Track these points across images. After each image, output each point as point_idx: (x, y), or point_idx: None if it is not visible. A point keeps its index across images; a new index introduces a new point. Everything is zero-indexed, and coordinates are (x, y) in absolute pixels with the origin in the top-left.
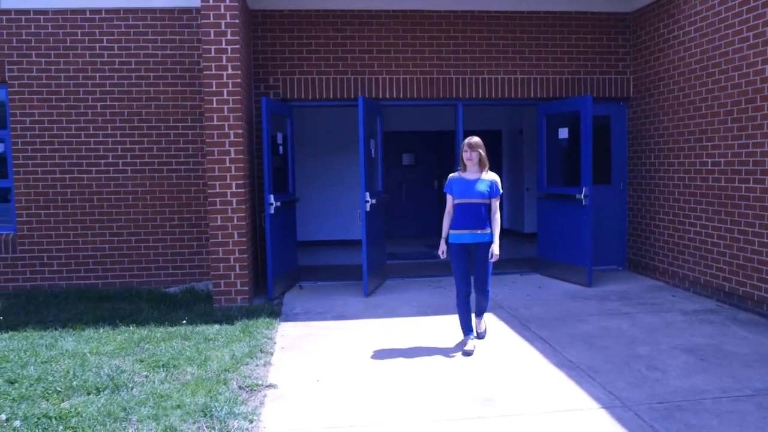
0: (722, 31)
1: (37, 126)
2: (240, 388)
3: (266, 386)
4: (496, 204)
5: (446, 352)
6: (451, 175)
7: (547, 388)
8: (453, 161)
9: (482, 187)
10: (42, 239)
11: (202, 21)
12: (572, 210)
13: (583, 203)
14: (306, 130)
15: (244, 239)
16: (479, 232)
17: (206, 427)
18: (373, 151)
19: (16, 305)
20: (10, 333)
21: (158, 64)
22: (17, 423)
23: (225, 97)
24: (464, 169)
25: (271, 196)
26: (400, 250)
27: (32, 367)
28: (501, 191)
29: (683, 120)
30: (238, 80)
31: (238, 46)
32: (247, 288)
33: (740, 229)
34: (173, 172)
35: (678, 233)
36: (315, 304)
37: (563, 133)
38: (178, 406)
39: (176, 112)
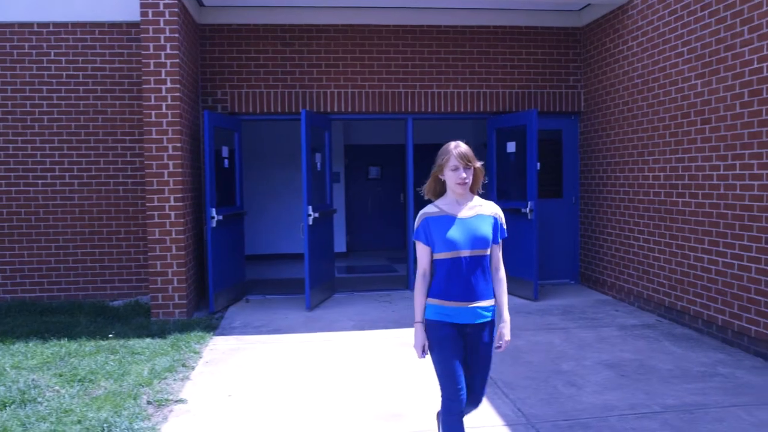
0: (660, 46)
1: None
2: (148, 403)
3: (175, 401)
4: (499, 254)
5: (368, 367)
6: (423, 212)
7: None
8: (423, 175)
9: (484, 228)
10: None
11: (142, 35)
12: (519, 224)
13: (529, 217)
14: (262, 143)
15: (183, 253)
16: (481, 305)
17: None
18: (319, 164)
19: None
20: None
21: (106, 77)
22: None
23: (164, 110)
24: (445, 199)
25: (213, 210)
26: (361, 263)
27: None
28: (505, 231)
29: (627, 134)
30: (178, 94)
31: (177, 60)
32: (185, 302)
33: (677, 243)
34: (120, 185)
35: (624, 247)
36: (255, 318)
37: (511, 147)
38: (79, 422)
39: (123, 126)
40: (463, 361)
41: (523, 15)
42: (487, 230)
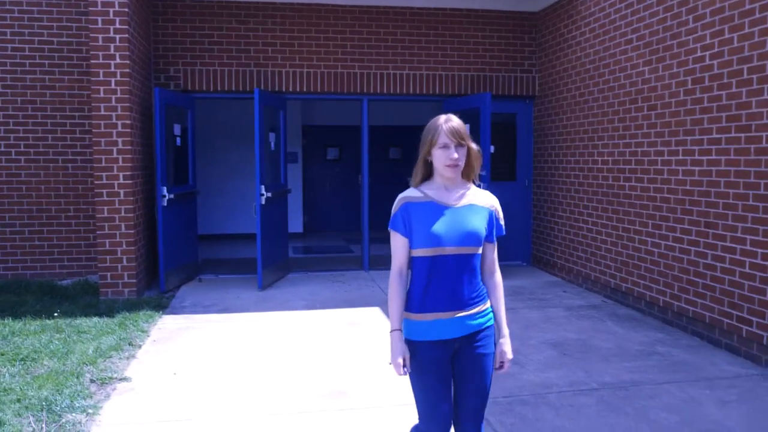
0: (611, 33)
1: None
2: (92, 381)
3: (119, 379)
4: (494, 255)
5: (316, 346)
6: (403, 195)
7: (398, 383)
8: (379, 158)
9: (476, 221)
10: None
11: (90, 9)
12: None
13: None
14: (217, 122)
15: (132, 231)
16: (470, 312)
17: (35, 420)
18: (273, 144)
19: None
20: None
21: (53, 51)
22: None
23: (113, 87)
24: (432, 184)
25: (164, 188)
26: (317, 244)
27: None
28: (503, 228)
29: (579, 119)
30: (127, 70)
31: (127, 36)
32: (135, 281)
33: (623, 227)
34: (69, 163)
35: (573, 230)
36: (206, 297)
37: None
38: (18, 400)
39: (72, 102)
40: (450, 386)
41: None
42: (479, 224)
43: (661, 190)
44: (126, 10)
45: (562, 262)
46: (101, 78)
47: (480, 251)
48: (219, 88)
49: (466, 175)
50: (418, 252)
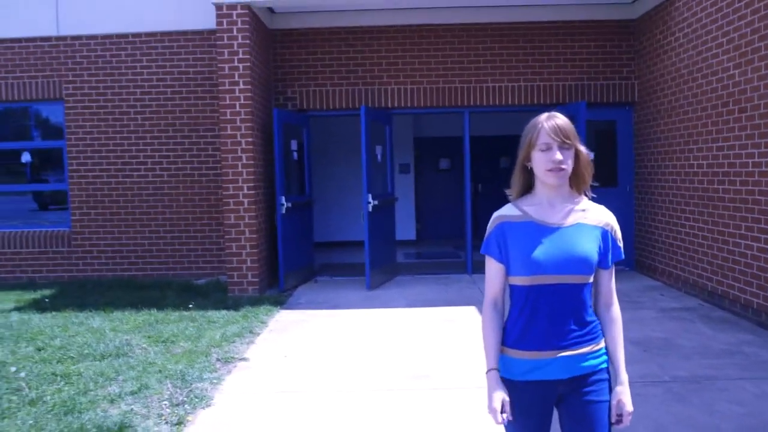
0: (703, 37)
1: (87, 136)
2: (217, 359)
3: (240, 359)
4: (611, 283)
5: (410, 338)
6: (498, 213)
7: (479, 369)
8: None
9: (585, 244)
10: (92, 235)
11: (217, 42)
12: None
13: None
14: (332, 138)
15: (255, 236)
16: (577, 352)
17: (172, 386)
18: (379, 156)
19: (67, 291)
20: (53, 313)
21: (190, 80)
22: (22, 374)
23: (237, 109)
24: (532, 198)
25: (282, 198)
26: (428, 250)
27: (59, 339)
28: (622, 251)
29: (675, 124)
30: (249, 94)
31: (249, 64)
32: (257, 280)
33: (718, 230)
34: (203, 176)
35: (672, 234)
36: (319, 296)
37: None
38: (159, 371)
39: (205, 123)
40: None
41: (577, 10)
42: (589, 248)
43: (752, 192)
44: (248, 42)
45: (662, 266)
46: (227, 102)
47: (591, 280)
48: (331, 107)
49: (576, 184)
50: (516, 280)
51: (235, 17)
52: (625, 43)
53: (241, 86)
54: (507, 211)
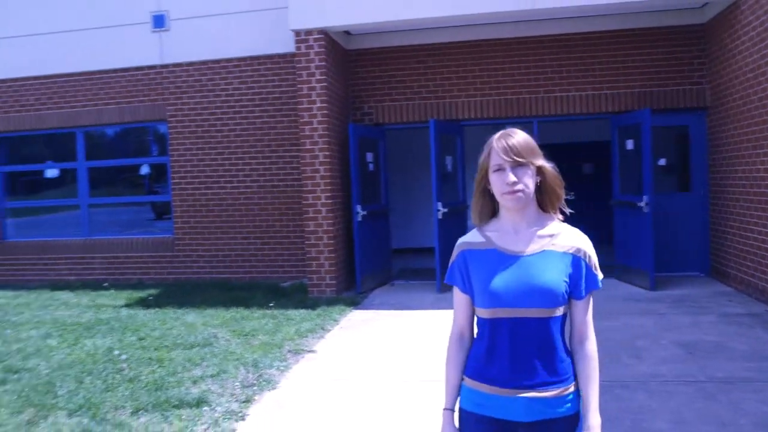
0: (767, 41)
1: (187, 153)
2: (288, 351)
3: (308, 351)
4: (585, 316)
5: None
6: (462, 241)
7: None
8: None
9: (550, 273)
10: (191, 241)
11: (296, 65)
12: (636, 217)
13: (644, 210)
14: (409, 151)
15: (333, 242)
16: (542, 395)
17: (246, 372)
18: (450, 166)
19: (169, 291)
20: (156, 309)
21: (275, 99)
22: (124, 357)
23: (315, 125)
24: (497, 223)
25: (358, 206)
26: None
27: (158, 331)
28: (600, 279)
29: (743, 128)
30: (326, 111)
31: (326, 84)
32: (335, 282)
33: None
34: (288, 187)
35: (743, 239)
36: (392, 297)
37: (630, 144)
38: (237, 359)
39: (289, 138)
40: None
41: (644, 17)
42: (554, 278)
43: None
44: (324, 63)
45: (734, 272)
46: (306, 119)
47: (558, 313)
48: (405, 120)
49: (545, 204)
50: (479, 311)
51: (311, 42)
52: (695, 47)
53: (318, 104)
54: (470, 237)
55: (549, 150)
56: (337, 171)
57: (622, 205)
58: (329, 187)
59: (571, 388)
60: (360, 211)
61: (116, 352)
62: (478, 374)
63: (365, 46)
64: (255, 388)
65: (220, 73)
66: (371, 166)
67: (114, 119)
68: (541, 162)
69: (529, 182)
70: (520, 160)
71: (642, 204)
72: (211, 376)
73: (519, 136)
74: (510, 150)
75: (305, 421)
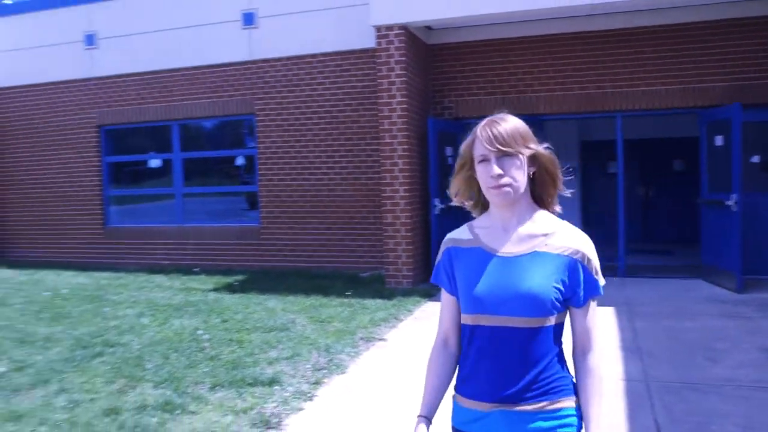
0: None
1: (273, 145)
2: (360, 338)
3: (379, 339)
4: (587, 323)
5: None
6: (449, 236)
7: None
8: (665, 171)
9: (539, 278)
10: (276, 230)
11: (376, 60)
12: (724, 216)
13: (733, 209)
14: None
15: (410, 234)
16: (530, 409)
17: (318, 356)
18: None
19: (254, 278)
20: (240, 294)
21: (358, 93)
22: (206, 337)
23: (394, 119)
24: (487, 219)
25: (436, 200)
26: None
27: (240, 314)
28: (601, 285)
29: None
30: (405, 106)
31: (405, 79)
32: (411, 273)
33: None
34: (369, 180)
35: None
36: None
37: (719, 140)
38: (311, 343)
39: (371, 131)
40: None
41: (735, 7)
42: (542, 283)
43: None
44: (404, 59)
45: None
46: (385, 113)
47: (550, 323)
48: (485, 114)
49: (540, 197)
50: (462, 317)
51: (392, 37)
52: None
53: (398, 99)
54: (457, 234)
55: (633, 145)
56: (415, 164)
57: (710, 204)
58: (407, 180)
59: (563, 403)
60: (438, 205)
61: (200, 332)
62: (460, 387)
63: (446, 40)
64: (325, 371)
65: (305, 68)
66: (450, 161)
67: (206, 113)
68: (534, 148)
69: (518, 174)
70: (506, 149)
71: (731, 203)
72: (286, 358)
73: (506, 123)
74: (494, 139)
75: (370, 406)
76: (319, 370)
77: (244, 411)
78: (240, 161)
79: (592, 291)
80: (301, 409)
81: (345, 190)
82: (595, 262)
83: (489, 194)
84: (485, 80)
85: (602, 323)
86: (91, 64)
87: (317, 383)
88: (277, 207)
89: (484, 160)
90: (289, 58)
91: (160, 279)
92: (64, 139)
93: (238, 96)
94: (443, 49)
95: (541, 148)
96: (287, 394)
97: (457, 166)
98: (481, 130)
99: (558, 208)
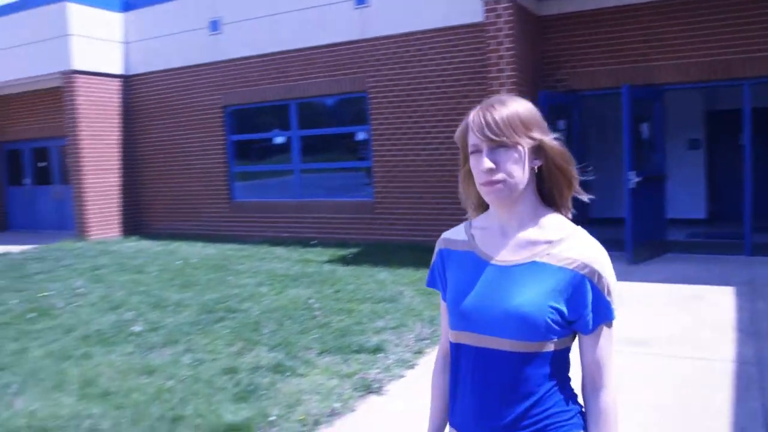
0: None
1: (386, 122)
2: None
3: None
4: (600, 353)
5: (642, 308)
6: (443, 236)
7: (708, 339)
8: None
9: (532, 294)
10: (390, 205)
11: (485, 35)
12: None
13: None
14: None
15: None
16: None
17: (422, 327)
18: (647, 133)
19: (367, 251)
20: (353, 267)
21: (468, 68)
22: (317, 305)
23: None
24: (486, 218)
25: None
26: (716, 230)
27: (352, 285)
28: (614, 309)
29: None
30: (515, 80)
31: (514, 52)
32: None
33: None
34: None
35: None
36: None
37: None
38: (417, 315)
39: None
40: None
41: None
42: (534, 301)
43: None
44: (512, 32)
45: None
46: (494, 88)
47: (548, 349)
48: (600, 86)
49: (550, 196)
50: (449, 333)
51: (500, 11)
52: None
53: (508, 73)
54: (452, 233)
55: (764, 114)
56: None
57: None
58: None
59: None
60: None
61: (312, 301)
62: (451, 416)
63: (557, 11)
64: (428, 341)
65: (415, 44)
66: (563, 134)
67: (321, 91)
68: (538, 137)
69: (515, 169)
70: (499, 139)
71: None
72: (391, 328)
73: (504, 108)
74: (486, 126)
75: None
76: (422, 340)
77: (349, 376)
78: (356, 137)
79: (603, 315)
80: (402, 377)
81: (456, 165)
82: (609, 280)
83: (481, 191)
84: (599, 50)
85: (720, 302)
86: (216, 49)
87: (419, 352)
88: (390, 182)
89: (476, 151)
90: (399, 36)
91: (279, 251)
92: (194, 119)
93: (351, 74)
94: (554, 20)
95: (547, 138)
96: (390, 361)
97: (461, 160)
98: (474, 116)
99: (569, 213)
